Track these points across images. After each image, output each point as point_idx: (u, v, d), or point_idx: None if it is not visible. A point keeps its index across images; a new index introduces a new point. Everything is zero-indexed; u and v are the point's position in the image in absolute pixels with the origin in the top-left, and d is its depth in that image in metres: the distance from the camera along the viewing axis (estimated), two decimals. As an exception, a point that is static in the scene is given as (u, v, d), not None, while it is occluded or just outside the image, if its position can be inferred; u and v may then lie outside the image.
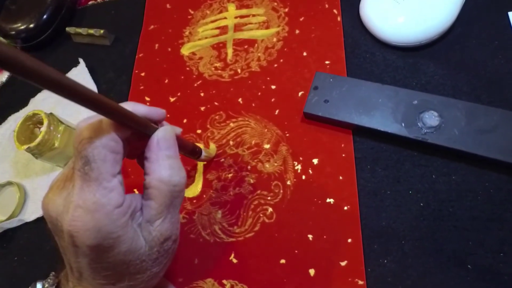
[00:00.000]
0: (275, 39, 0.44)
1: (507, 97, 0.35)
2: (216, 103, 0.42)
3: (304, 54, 0.42)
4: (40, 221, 0.41)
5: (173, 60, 0.46)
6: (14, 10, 0.52)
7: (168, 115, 0.42)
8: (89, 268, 0.23)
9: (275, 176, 0.36)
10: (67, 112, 0.45)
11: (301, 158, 0.37)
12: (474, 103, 0.33)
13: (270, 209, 0.35)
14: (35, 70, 0.15)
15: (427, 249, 0.31)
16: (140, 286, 0.25)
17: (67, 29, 0.52)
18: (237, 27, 0.46)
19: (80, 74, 0.48)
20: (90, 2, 0.56)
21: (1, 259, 0.41)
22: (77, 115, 0.45)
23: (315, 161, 0.36)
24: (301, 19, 0.44)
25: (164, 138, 0.25)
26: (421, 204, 0.33)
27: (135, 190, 0.39)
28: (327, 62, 0.41)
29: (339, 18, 0.43)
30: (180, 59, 0.46)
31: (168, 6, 0.51)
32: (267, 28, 0.45)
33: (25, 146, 0.38)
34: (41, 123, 0.39)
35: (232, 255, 0.34)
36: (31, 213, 0.42)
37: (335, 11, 0.43)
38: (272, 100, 0.40)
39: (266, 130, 0.39)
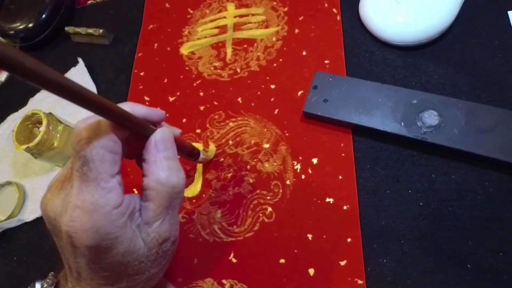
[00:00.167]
0: (274, 39, 0.44)
1: (507, 96, 0.35)
2: (215, 103, 0.42)
3: (304, 53, 0.42)
4: (39, 221, 0.41)
5: (172, 59, 0.46)
6: (13, 10, 0.52)
7: (167, 115, 0.42)
8: (88, 269, 0.23)
9: (274, 176, 0.36)
10: (66, 111, 0.45)
11: (300, 158, 0.37)
12: (473, 102, 0.33)
13: (270, 209, 0.35)
14: (34, 71, 0.15)
15: (427, 249, 0.31)
16: (138, 286, 0.25)
17: (66, 28, 0.51)
18: (237, 27, 0.46)
19: (79, 74, 0.48)
20: (89, 2, 0.56)
21: (0, 259, 0.41)
22: (77, 115, 0.45)
23: (315, 160, 0.36)
24: (300, 19, 0.44)
25: (162, 139, 0.24)
26: (421, 204, 0.32)
27: (135, 190, 0.39)
28: (326, 61, 0.41)
29: (338, 18, 0.43)
30: (179, 59, 0.46)
31: (167, 5, 0.51)
32: (266, 27, 0.45)
33: (24, 146, 0.38)
34: (40, 123, 0.39)
35: (232, 254, 0.34)
36: (30, 213, 0.42)
37: (334, 10, 0.43)
38: (272, 99, 0.40)
39: (265, 129, 0.39)
